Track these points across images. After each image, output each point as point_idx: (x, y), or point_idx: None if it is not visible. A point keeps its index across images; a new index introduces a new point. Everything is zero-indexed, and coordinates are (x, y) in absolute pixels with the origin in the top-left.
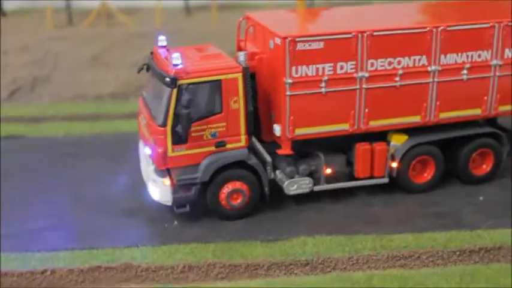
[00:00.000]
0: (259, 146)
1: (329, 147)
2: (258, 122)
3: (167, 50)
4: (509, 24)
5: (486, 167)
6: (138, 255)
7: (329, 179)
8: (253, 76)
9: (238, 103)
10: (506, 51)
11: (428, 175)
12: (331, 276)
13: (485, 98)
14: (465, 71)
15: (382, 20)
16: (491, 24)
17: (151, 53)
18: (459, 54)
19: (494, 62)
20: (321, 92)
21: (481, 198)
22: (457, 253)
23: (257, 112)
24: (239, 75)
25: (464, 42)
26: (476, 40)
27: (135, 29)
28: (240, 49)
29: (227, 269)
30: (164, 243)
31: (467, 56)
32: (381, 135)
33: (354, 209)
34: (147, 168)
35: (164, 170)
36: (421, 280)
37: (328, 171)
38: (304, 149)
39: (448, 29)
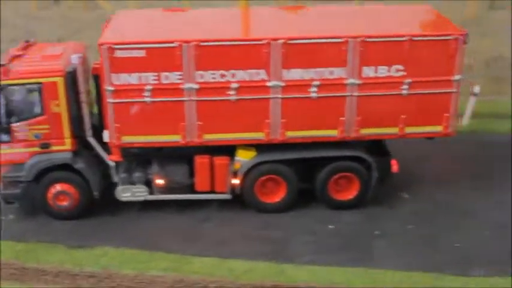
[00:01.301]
0: (99, 149)
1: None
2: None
3: (26, 46)
4: (368, 40)
5: (351, 193)
6: None
7: (172, 190)
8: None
9: (59, 107)
10: (366, 69)
11: (279, 195)
12: None
13: (342, 119)
14: (314, 89)
15: (232, 27)
16: (343, 39)
17: None
18: (306, 70)
19: (351, 80)
20: (145, 102)
21: (330, 226)
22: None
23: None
24: (60, 79)
25: (311, 57)
26: (326, 56)
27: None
28: None
29: (20, 271)
30: None
31: (316, 72)
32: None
33: (187, 223)
34: None
35: None
36: None
37: (160, 181)
38: (141, 157)
39: (290, 42)
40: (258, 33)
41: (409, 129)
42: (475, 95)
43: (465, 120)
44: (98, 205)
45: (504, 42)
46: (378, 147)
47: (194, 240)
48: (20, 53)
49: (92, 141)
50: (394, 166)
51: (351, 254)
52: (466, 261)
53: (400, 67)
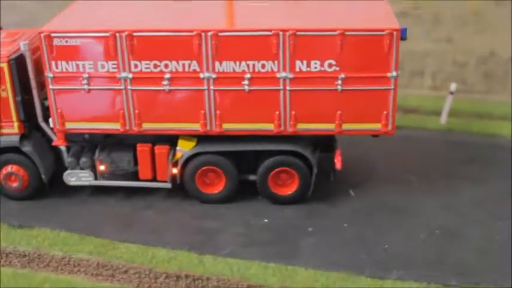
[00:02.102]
0: (50, 134)
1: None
2: None
3: None
4: (300, 33)
5: (291, 188)
6: None
7: (117, 176)
8: None
9: (6, 92)
10: (298, 63)
11: (219, 186)
12: (39, 274)
13: (277, 113)
14: (246, 82)
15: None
16: (273, 32)
17: None
18: (237, 62)
19: (283, 74)
20: (83, 89)
21: (265, 220)
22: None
23: None
24: (5, 65)
25: (243, 49)
26: (258, 48)
27: None
28: None
29: None
30: None
31: (248, 65)
32: None
33: (128, 210)
34: None
35: None
36: None
37: (102, 167)
38: (89, 143)
39: (221, 34)
40: (191, 25)
41: (346, 126)
42: (451, 93)
43: (443, 119)
44: (56, 187)
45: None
46: (325, 142)
47: (129, 227)
48: None
49: (44, 125)
50: (338, 163)
51: (276, 249)
52: (389, 263)
53: (333, 62)
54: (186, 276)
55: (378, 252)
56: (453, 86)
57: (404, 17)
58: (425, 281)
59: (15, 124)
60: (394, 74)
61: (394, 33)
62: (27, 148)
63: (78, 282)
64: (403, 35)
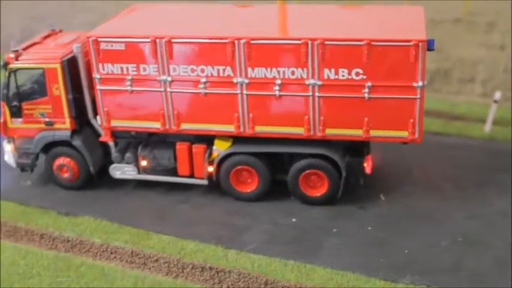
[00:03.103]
0: (100, 130)
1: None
2: None
3: (49, 35)
4: (327, 43)
5: (321, 189)
6: None
7: (157, 172)
8: None
9: (59, 90)
10: (326, 71)
11: (252, 185)
12: (78, 258)
13: (306, 118)
14: (277, 87)
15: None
16: (303, 41)
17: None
18: (268, 69)
19: (312, 81)
20: (127, 90)
21: (293, 220)
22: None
23: None
24: (58, 66)
25: (274, 56)
26: (288, 56)
27: None
28: None
29: (14, 229)
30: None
31: (278, 71)
32: None
33: (166, 203)
34: None
35: (10, 138)
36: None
37: (144, 163)
38: (134, 139)
39: (252, 42)
40: (226, 32)
41: (373, 133)
42: (495, 101)
43: (487, 127)
44: (103, 180)
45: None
46: (357, 147)
47: (164, 219)
48: (39, 40)
49: (94, 122)
50: (368, 168)
51: (299, 248)
52: (405, 267)
53: (360, 70)
54: (210, 268)
55: (396, 256)
56: (497, 95)
57: (458, 23)
58: (437, 287)
59: (67, 120)
60: (420, 83)
61: (420, 44)
62: (77, 142)
63: (111, 268)
64: (430, 45)
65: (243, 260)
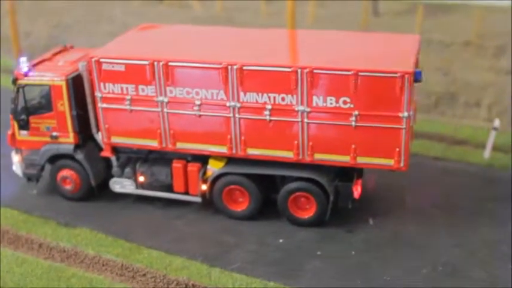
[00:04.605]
0: (102, 144)
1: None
2: None
3: (60, 51)
4: (316, 71)
5: (309, 212)
6: None
7: (154, 187)
8: None
9: (64, 106)
10: (315, 98)
11: (244, 204)
12: (71, 269)
13: (295, 142)
14: (267, 112)
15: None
16: (293, 69)
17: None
18: (259, 94)
19: (301, 107)
20: (127, 109)
21: (280, 240)
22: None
23: None
24: (63, 83)
25: (265, 82)
26: (279, 82)
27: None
28: None
29: (15, 237)
30: (5, 205)
31: (269, 97)
32: None
33: (161, 218)
34: None
35: (18, 150)
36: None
37: (141, 178)
38: (134, 154)
39: (245, 68)
40: (221, 57)
41: (360, 159)
42: (495, 128)
43: (487, 153)
44: (104, 192)
45: None
46: (347, 172)
47: (158, 234)
48: (49, 57)
49: (97, 137)
50: (356, 192)
51: (280, 269)
52: None
53: (347, 99)
54: (193, 286)
55: (375, 282)
56: (497, 122)
57: (467, 46)
58: None
59: (71, 135)
60: (406, 114)
61: (407, 76)
62: (79, 156)
63: (99, 280)
64: (417, 77)
65: (225, 279)
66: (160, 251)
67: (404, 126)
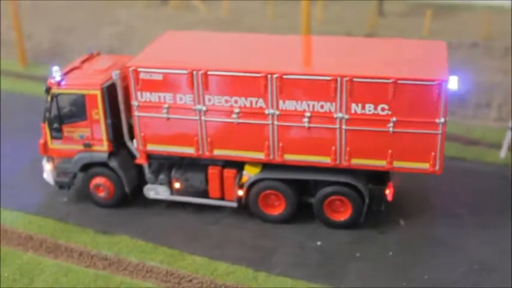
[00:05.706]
0: (135, 152)
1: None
2: None
3: (87, 59)
4: (356, 80)
5: (344, 214)
6: (8, 217)
7: (189, 193)
8: None
9: (98, 115)
10: (353, 106)
11: (280, 208)
12: (117, 276)
13: (333, 148)
14: (306, 119)
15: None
16: (332, 77)
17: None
18: (299, 102)
19: (339, 115)
20: (164, 117)
21: (318, 243)
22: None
23: None
24: (98, 92)
25: (304, 91)
26: (317, 91)
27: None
28: None
29: (54, 246)
30: (38, 213)
31: (308, 105)
32: None
33: (198, 224)
34: None
35: (49, 158)
36: None
37: (177, 184)
38: (168, 161)
39: (284, 77)
40: (260, 65)
41: (396, 164)
42: (511, 129)
43: (503, 153)
44: (137, 199)
45: None
46: (379, 175)
47: (197, 240)
48: (78, 65)
49: (130, 145)
50: (389, 195)
51: (323, 271)
52: None
53: (385, 106)
54: None
55: (417, 281)
56: None
57: (475, 48)
58: None
59: (105, 143)
60: (442, 120)
61: (443, 83)
62: (113, 164)
63: (147, 287)
64: (453, 84)
65: (272, 283)
66: (203, 257)
67: (440, 132)
